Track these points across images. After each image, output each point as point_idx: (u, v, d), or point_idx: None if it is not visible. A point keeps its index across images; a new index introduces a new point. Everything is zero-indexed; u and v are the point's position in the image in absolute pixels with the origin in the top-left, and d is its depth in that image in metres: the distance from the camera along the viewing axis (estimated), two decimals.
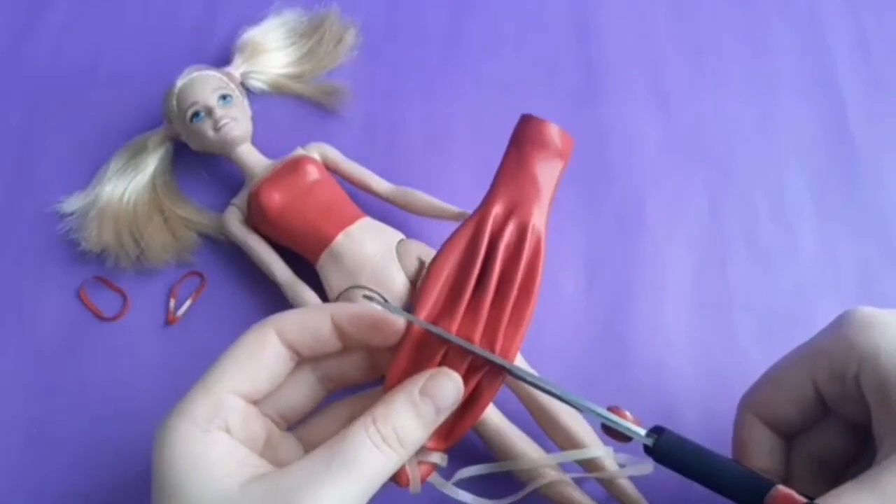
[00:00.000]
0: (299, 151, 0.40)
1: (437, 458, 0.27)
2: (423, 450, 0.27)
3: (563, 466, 0.34)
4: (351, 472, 0.23)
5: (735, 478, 0.27)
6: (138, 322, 0.39)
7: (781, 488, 0.26)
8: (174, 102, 0.40)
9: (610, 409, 0.27)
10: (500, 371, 0.27)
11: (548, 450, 0.34)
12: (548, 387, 0.27)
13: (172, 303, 0.39)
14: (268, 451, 0.26)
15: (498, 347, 0.27)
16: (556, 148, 0.29)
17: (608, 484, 0.33)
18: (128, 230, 0.40)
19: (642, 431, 0.27)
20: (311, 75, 0.45)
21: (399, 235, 0.38)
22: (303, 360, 0.27)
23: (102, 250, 0.40)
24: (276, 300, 0.38)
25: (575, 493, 0.33)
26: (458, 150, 0.44)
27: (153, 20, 0.48)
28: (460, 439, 0.28)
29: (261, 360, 0.26)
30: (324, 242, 0.37)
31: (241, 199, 0.40)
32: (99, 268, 0.40)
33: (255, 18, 0.46)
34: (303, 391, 0.28)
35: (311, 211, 0.37)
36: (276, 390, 0.27)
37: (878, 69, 0.46)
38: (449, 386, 0.26)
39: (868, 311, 0.28)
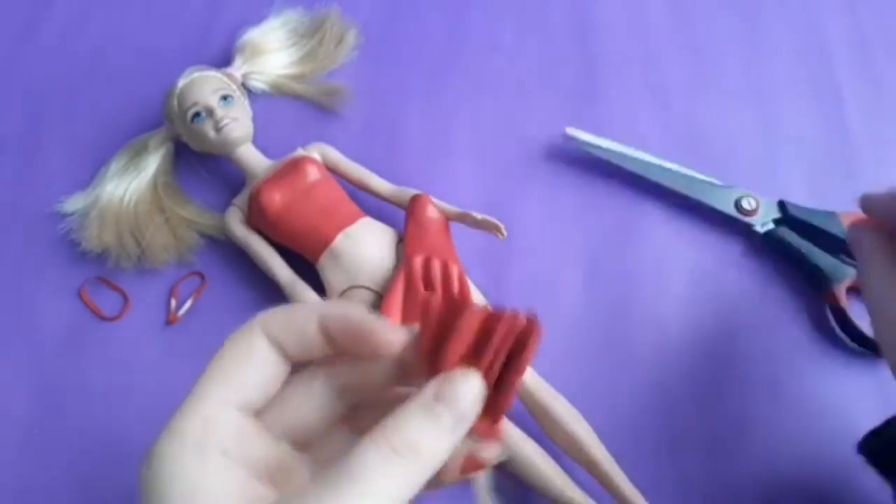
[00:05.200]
0: (300, 152, 0.40)
1: (490, 451, 0.24)
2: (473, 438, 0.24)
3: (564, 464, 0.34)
4: (363, 491, 0.20)
5: None
6: (139, 322, 0.39)
7: None
8: (175, 103, 0.40)
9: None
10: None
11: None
12: None
13: (173, 303, 0.39)
14: (280, 476, 0.24)
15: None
16: (435, 210, 0.38)
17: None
18: (129, 230, 0.40)
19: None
20: (312, 76, 0.45)
21: (399, 235, 0.38)
22: (298, 363, 0.24)
23: (103, 250, 0.40)
24: (276, 300, 0.38)
25: (576, 494, 0.33)
26: (458, 150, 0.44)
27: (154, 21, 0.48)
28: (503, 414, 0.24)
29: (249, 364, 0.23)
30: (324, 242, 0.37)
31: (241, 199, 0.40)
32: (100, 268, 0.40)
33: (256, 19, 0.46)
34: (317, 405, 0.24)
35: (311, 211, 0.37)
36: (285, 405, 0.24)
37: (878, 69, 0.46)
38: (466, 386, 0.22)
39: None
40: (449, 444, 0.22)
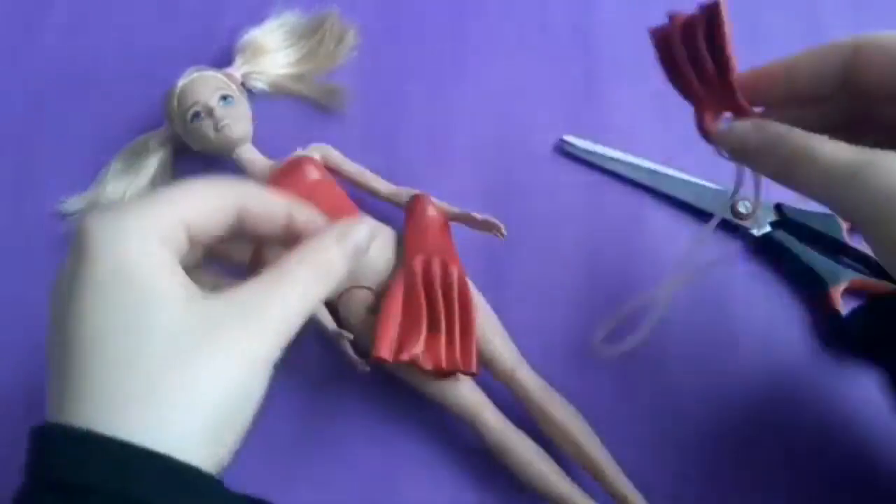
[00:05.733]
0: (299, 152, 0.40)
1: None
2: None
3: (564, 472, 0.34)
4: (286, 291, 0.25)
5: None
6: None
7: None
8: (175, 103, 0.40)
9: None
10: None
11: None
12: None
13: None
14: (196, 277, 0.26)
15: (457, 352, 0.33)
16: (434, 210, 0.38)
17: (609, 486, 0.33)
18: None
19: None
20: (312, 76, 0.45)
21: (399, 236, 0.38)
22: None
23: None
24: None
25: (576, 494, 0.33)
26: (458, 151, 0.44)
27: (154, 21, 0.48)
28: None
29: (213, 208, 0.26)
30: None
31: None
32: None
33: (256, 19, 0.46)
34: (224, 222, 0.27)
35: None
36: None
37: None
38: (360, 229, 0.28)
39: None
40: (346, 267, 0.27)
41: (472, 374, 0.34)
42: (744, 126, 0.29)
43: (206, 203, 0.25)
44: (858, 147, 0.26)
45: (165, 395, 0.21)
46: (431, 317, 0.34)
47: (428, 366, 0.33)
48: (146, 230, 0.23)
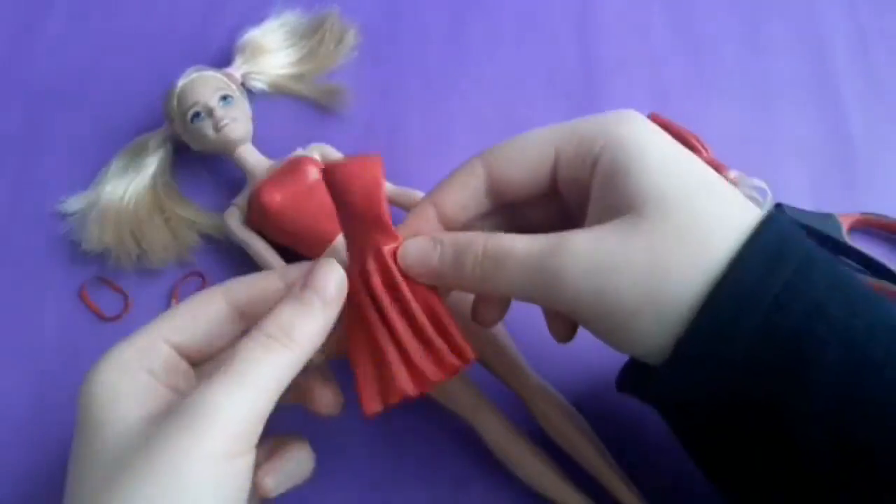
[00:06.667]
0: (300, 152, 0.40)
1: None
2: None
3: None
4: (245, 377, 0.23)
5: None
6: (140, 322, 0.38)
7: None
8: (175, 103, 0.40)
9: None
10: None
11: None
12: None
13: (174, 303, 0.39)
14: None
15: (445, 354, 0.27)
16: (362, 175, 0.28)
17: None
18: (129, 230, 0.40)
19: None
20: (312, 76, 0.45)
21: None
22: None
23: (103, 251, 0.40)
24: None
25: (575, 494, 0.33)
26: (458, 151, 0.43)
27: (154, 21, 0.48)
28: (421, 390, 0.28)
29: (200, 315, 0.27)
30: (324, 242, 0.37)
31: (241, 199, 0.40)
32: (100, 268, 0.40)
33: (256, 19, 0.46)
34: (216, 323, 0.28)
35: (311, 211, 0.37)
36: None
37: (878, 69, 0.46)
38: (329, 273, 0.26)
39: (633, 112, 0.27)
40: (319, 326, 0.25)
41: (472, 362, 0.28)
42: (418, 244, 0.28)
43: (192, 317, 0.27)
44: (552, 234, 0.26)
45: None
46: (394, 336, 0.28)
47: (424, 390, 0.28)
48: (128, 365, 0.25)
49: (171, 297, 0.39)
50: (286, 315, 0.25)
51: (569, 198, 0.28)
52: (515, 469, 0.34)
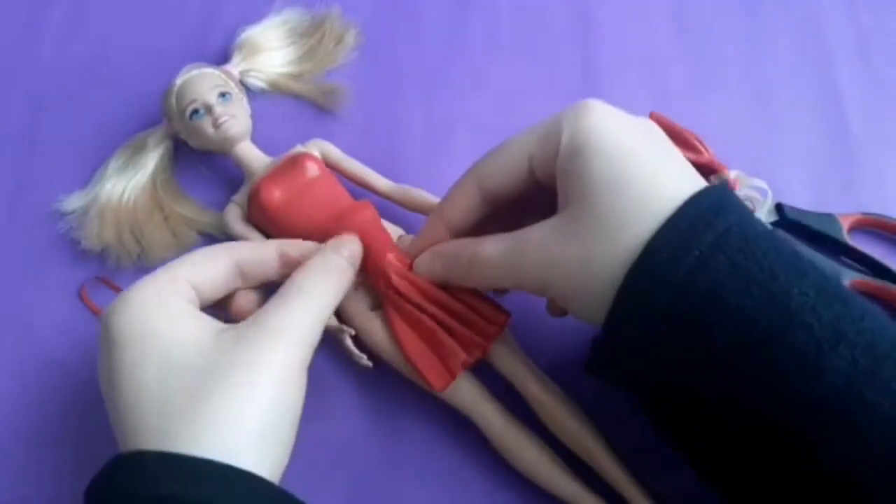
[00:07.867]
0: (299, 148, 0.40)
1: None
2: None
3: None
4: (311, 295, 0.29)
5: None
6: None
7: None
8: (173, 100, 0.40)
9: None
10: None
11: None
12: None
13: None
14: None
15: (485, 317, 0.33)
16: (359, 222, 0.35)
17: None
18: (128, 229, 0.40)
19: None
20: (311, 75, 0.45)
21: (398, 231, 0.38)
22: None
23: (103, 249, 0.40)
24: None
25: (579, 488, 0.33)
26: (457, 151, 0.44)
27: (153, 19, 0.48)
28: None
29: (210, 264, 0.30)
30: (324, 239, 0.37)
31: (241, 196, 0.40)
32: (100, 267, 0.40)
33: (256, 17, 0.46)
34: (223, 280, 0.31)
35: (311, 208, 0.37)
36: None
37: (878, 69, 0.46)
38: (348, 243, 0.32)
39: (589, 102, 0.29)
40: (338, 285, 0.30)
41: (510, 317, 0.34)
42: (424, 258, 0.33)
43: (206, 265, 0.30)
44: (519, 231, 0.29)
45: (210, 417, 0.25)
46: (438, 318, 0.33)
47: (479, 355, 0.33)
48: (162, 293, 0.28)
49: None
50: (313, 271, 0.30)
51: (556, 189, 0.30)
52: (515, 459, 0.34)
